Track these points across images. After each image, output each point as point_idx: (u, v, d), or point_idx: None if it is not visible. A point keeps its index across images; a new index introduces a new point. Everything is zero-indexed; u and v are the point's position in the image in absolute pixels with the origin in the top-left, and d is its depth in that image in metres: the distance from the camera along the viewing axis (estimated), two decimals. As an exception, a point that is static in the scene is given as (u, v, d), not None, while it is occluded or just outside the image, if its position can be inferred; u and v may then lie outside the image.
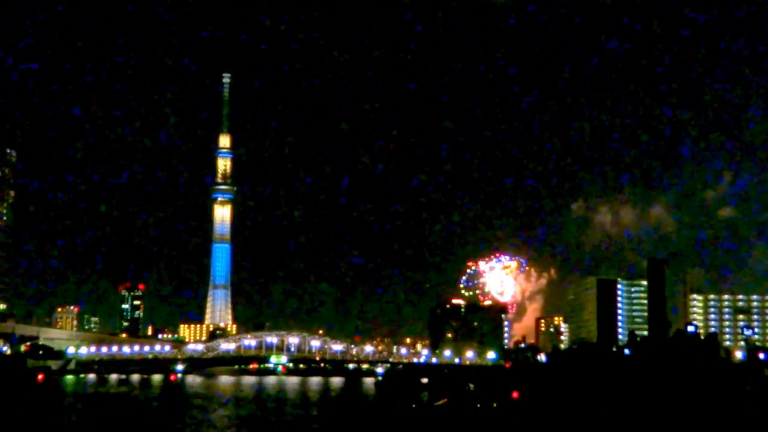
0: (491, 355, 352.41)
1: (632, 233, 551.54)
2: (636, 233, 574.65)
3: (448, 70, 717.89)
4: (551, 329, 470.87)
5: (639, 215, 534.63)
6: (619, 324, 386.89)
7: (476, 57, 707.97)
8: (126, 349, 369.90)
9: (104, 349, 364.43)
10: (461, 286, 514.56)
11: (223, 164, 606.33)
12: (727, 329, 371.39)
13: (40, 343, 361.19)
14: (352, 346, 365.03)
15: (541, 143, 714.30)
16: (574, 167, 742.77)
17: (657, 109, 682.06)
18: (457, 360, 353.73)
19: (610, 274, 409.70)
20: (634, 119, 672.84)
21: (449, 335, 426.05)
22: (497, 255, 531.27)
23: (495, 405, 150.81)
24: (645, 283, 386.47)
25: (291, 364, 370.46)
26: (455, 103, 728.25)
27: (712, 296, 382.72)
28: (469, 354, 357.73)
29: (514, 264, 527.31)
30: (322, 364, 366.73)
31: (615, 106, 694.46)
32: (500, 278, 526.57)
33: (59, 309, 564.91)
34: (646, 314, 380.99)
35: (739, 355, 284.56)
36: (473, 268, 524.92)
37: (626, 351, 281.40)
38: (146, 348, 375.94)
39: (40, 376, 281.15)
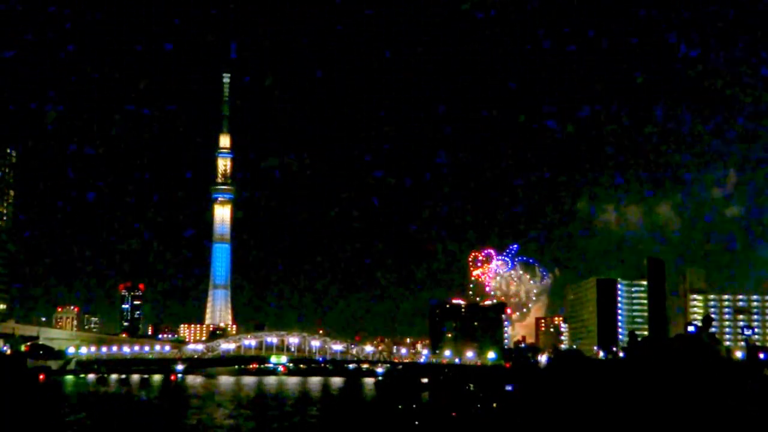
0: (491, 355, 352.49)
1: (637, 233, 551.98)
2: (641, 232, 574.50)
3: (449, 69, 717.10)
4: (551, 329, 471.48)
5: (644, 215, 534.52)
6: (619, 324, 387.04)
7: (475, 55, 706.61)
8: (126, 349, 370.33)
9: (104, 349, 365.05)
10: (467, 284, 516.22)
11: (223, 164, 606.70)
12: (727, 329, 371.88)
13: (40, 343, 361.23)
14: (352, 346, 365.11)
15: (546, 141, 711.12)
16: (579, 165, 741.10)
17: (663, 105, 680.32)
18: (457, 360, 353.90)
19: (611, 274, 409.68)
20: (640, 116, 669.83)
21: (449, 335, 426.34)
22: (498, 253, 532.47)
23: (495, 405, 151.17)
24: (645, 282, 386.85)
25: (291, 364, 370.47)
26: (456, 100, 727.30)
27: (712, 296, 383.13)
28: (469, 354, 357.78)
29: (517, 264, 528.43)
30: (323, 364, 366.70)
31: (621, 103, 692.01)
32: (503, 278, 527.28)
33: (59, 309, 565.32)
34: (646, 314, 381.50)
35: (739, 355, 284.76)
36: (476, 267, 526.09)
37: (621, 354, 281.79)
38: (146, 348, 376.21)
39: (41, 376, 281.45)
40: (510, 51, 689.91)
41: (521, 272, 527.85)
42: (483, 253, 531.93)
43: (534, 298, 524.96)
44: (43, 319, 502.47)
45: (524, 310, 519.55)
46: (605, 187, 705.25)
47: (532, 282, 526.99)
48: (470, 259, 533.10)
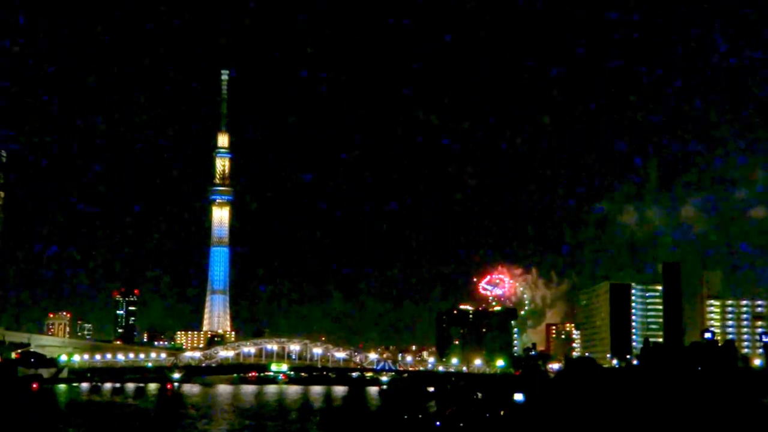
0: (500, 362, 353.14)
1: (658, 235, 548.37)
2: (662, 234, 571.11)
3: (458, 67, 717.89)
4: (563, 336, 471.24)
5: (666, 216, 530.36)
6: (633, 331, 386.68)
7: (490, 53, 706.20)
8: (120, 356, 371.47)
9: (98, 357, 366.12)
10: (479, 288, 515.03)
11: (222, 164, 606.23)
12: (745, 336, 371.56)
13: (31, 350, 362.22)
14: (356, 353, 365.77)
15: (564, 140, 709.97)
16: (598, 164, 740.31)
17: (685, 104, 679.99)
18: (464, 368, 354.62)
19: (627, 279, 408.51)
20: (661, 115, 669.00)
21: (456, 342, 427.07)
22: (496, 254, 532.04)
23: (502, 414, 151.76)
24: (660, 287, 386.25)
25: (292, 373, 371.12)
26: (468, 98, 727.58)
27: (729, 301, 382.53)
28: (477, 362, 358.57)
29: (531, 268, 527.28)
30: (325, 373, 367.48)
31: (640, 101, 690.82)
32: (514, 283, 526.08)
33: (51, 315, 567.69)
34: (661, 320, 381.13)
35: (757, 362, 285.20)
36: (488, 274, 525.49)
37: (635, 362, 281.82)
38: (141, 356, 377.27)
39: (34, 386, 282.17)
40: (526, 47, 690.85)
41: (537, 277, 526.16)
42: (497, 256, 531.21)
43: (549, 305, 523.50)
44: (33, 324, 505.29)
45: (540, 316, 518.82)
46: (625, 187, 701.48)
47: (548, 286, 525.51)
48: (485, 262, 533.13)
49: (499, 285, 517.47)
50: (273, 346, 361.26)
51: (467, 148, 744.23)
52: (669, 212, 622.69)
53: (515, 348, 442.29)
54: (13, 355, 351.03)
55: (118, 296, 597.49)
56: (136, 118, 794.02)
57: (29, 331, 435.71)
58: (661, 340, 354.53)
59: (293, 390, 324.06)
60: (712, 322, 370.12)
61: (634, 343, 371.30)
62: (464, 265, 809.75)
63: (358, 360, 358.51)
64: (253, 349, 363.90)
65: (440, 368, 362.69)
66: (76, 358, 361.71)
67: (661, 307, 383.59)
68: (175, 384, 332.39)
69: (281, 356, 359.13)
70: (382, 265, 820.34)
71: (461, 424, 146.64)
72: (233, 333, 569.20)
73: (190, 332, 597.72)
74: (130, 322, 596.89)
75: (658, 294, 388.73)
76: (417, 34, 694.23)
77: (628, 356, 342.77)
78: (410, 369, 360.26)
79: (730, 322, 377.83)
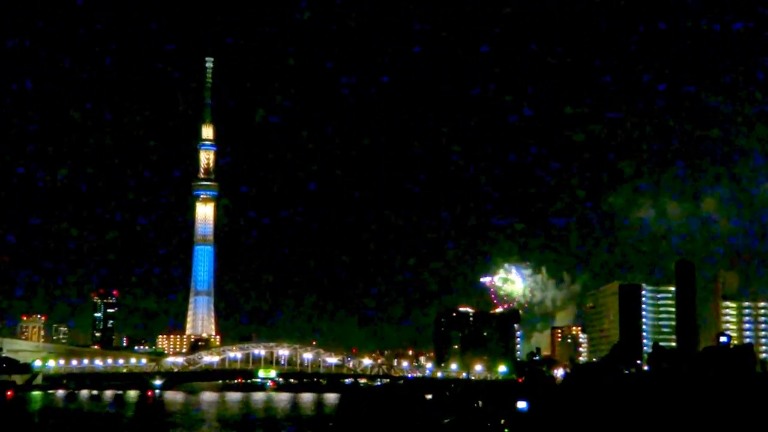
0: (502, 368, 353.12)
1: (677, 231, 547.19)
2: (681, 231, 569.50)
3: (462, 58, 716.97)
4: (569, 340, 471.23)
5: (685, 211, 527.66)
6: (644, 335, 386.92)
7: (502, 42, 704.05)
8: (98, 362, 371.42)
9: (74, 362, 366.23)
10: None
11: (206, 158, 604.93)
12: (763, 339, 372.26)
13: (4, 355, 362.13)
14: (349, 358, 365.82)
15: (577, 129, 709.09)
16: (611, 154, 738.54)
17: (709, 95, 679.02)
18: (464, 374, 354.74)
19: (638, 279, 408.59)
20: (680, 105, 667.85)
21: (456, 347, 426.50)
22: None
23: (503, 422, 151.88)
24: (673, 288, 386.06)
25: (281, 379, 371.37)
26: (473, 88, 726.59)
27: (746, 303, 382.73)
28: (478, 367, 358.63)
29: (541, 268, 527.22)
30: (316, 379, 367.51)
31: (657, 91, 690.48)
32: (519, 283, 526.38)
33: (24, 318, 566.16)
34: (674, 323, 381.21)
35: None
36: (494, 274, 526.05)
37: (646, 368, 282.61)
38: (121, 361, 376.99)
39: (9, 393, 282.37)
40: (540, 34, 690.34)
41: (547, 278, 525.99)
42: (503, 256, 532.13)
43: (559, 307, 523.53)
44: (5, 327, 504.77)
45: (549, 319, 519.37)
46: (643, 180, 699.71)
47: (559, 287, 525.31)
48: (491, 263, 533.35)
49: (507, 285, 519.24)
50: (260, 351, 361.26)
51: (468, 144, 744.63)
52: (688, 207, 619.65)
53: (519, 353, 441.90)
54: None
55: (96, 298, 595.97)
56: (117, 110, 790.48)
57: (1, 334, 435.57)
58: (674, 344, 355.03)
59: (282, 397, 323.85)
60: (728, 325, 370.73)
61: (645, 348, 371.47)
62: (466, 264, 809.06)
63: (351, 365, 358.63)
64: (239, 354, 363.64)
65: (439, 374, 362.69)
66: (51, 363, 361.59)
67: (673, 309, 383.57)
68: (157, 391, 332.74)
69: (269, 362, 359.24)
70: (377, 264, 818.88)
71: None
72: (218, 337, 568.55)
73: (172, 336, 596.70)
74: (109, 326, 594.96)
75: (670, 295, 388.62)
76: (413, 22, 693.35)
77: (638, 361, 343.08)
78: (407, 375, 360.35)
79: (747, 325, 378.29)
